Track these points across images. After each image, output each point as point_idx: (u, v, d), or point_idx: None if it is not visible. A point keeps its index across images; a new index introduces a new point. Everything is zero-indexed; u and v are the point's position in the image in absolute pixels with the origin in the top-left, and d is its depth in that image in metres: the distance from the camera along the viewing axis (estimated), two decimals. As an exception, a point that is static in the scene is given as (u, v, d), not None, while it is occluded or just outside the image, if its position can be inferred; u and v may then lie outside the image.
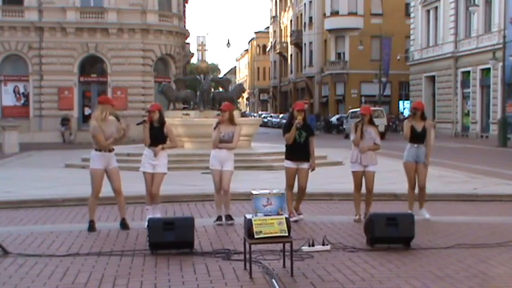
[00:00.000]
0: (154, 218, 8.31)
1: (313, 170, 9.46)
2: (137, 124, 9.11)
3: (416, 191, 9.65)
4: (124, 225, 8.73)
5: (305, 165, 9.34)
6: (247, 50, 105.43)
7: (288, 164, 9.40)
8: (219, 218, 9.09)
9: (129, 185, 12.62)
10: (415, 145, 9.52)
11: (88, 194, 11.23)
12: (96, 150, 8.70)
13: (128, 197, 11.20)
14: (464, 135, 37.82)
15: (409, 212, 8.51)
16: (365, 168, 9.34)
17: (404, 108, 51.54)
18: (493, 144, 28.99)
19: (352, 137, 9.41)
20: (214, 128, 9.06)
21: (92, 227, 8.61)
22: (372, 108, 10.13)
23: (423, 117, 9.60)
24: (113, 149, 8.85)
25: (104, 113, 8.71)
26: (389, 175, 13.53)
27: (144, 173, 9.14)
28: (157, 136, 9.05)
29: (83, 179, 14.64)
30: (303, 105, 9.55)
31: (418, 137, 9.51)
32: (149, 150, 9.09)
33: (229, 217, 9.08)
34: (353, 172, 9.46)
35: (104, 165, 8.67)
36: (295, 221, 9.02)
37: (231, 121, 9.15)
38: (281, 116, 60.76)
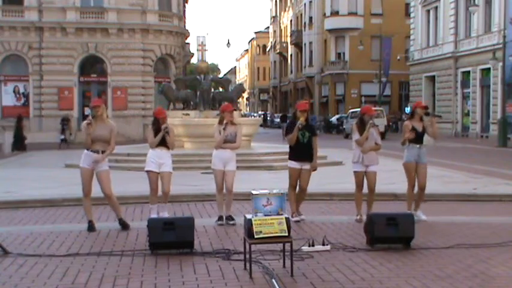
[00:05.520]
0: (154, 218, 8.32)
1: (314, 170, 9.47)
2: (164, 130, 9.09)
3: (415, 191, 9.62)
4: (123, 224, 8.72)
5: (308, 166, 9.35)
6: (247, 50, 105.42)
7: (292, 164, 9.39)
8: (221, 218, 9.10)
9: (129, 185, 12.66)
10: (417, 145, 9.50)
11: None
12: (86, 149, 8.72)
13: (128, 197, 11.26)
14: (464, 135, 37.81)
15: (409, 212, 8.50)
16: (367, 168, 9.34)
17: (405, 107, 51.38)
18: (493, 144, 28.98)
19: (355, 137, 9.37)
20: (224, 129, 9.03)
21: (91, 227, 8.61)
22: (372, 108, 10.14)
23: (421, 117, 9.60)
24: (103, 152, 8.68)
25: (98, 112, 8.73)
26: (389, 175, 13.52)
27: (148, 172, 9.15)
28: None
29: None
30: (305, 106, 9.55)
31: (419, 137, 9.52)
32: (156, 150, 9.10)
33: (230, 218, 9.08)
34: (355, 172, 9.45)
35: (89, 164, 8.62)
36: (297, 221, 9.03)
37: (232, 121, 9.20)
38: (278, 115, 60.80)
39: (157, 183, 9.18)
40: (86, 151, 8.69)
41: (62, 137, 30.08)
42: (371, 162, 9.34)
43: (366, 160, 9.29)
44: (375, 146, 9.36)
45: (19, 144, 27.03)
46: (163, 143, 9.10)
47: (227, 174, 9.12)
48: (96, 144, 8.60)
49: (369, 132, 9.22)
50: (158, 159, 9.10)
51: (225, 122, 9.10)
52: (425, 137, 9.84)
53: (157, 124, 9.13)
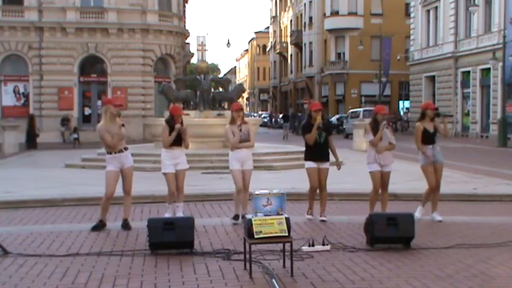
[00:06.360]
0: (154, 218, 8.32)
1: (339, 167, 9.58)
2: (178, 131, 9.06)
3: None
4: (126, 225, 8.72)
5: (326, 165, 9.36)
6: (247, 50, 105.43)
7: (310, 164, 9.36)
8: (236, 217, 9.08)
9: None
10: (430, 146, 9.49)
11: (88, 194, 11.27)
12: (108, 153, 8.71)
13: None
14: (464, 135, 37.81)
15: (410, 212, 8.48)
16: (382, 168, 9.30)
17: (405, 108, 51.38)
18: (493, 144, 28.98)
19: (369, 137, 9.33)
20: (240, 129, 9.05)
21: (101, 226, 8.63)
22: (385, 108, 10.14)
23: (433, 118, 9.59)
24: (126, 148, 8.80)
25: (106, 113, 8.68)
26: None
27: (166, 174, 9.16)
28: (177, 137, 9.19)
29: (83, 179, 14.70)
30: (319, 105, 9.61)
31: (431, 138, 9.49)
32: (169, 151, 9.10)
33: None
34: (371, 173, 9.36)
35: (117, 166, 8.66)
36: (310, 219, 9.17)
37: (243, 120, 9.27)
38: (281, 115, 60.79)
39: (175, 183, 9.20)
40: (111, 155, 8.63)
41: (76, 135, 30.59)
42: (387, 162, 9.31)
43: (382, 160, 9.26)
44: (389, 145, 9.36)
45: (32, 142, 28.16)
46: (177, 142, 9.09)
47: (246, 173, 9.15)
48: (119, 144, 8.63)
49: (383, 132, 9.22)
50: (174, 159, 9.11)
51: (239, 122, 9.10)
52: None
53: (173, 122, 9.11)
